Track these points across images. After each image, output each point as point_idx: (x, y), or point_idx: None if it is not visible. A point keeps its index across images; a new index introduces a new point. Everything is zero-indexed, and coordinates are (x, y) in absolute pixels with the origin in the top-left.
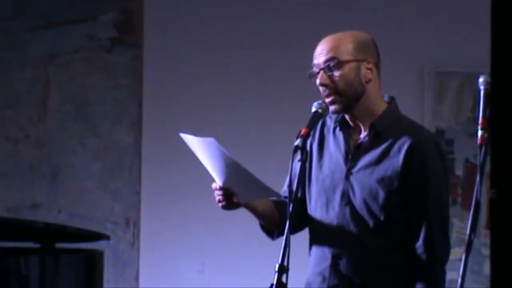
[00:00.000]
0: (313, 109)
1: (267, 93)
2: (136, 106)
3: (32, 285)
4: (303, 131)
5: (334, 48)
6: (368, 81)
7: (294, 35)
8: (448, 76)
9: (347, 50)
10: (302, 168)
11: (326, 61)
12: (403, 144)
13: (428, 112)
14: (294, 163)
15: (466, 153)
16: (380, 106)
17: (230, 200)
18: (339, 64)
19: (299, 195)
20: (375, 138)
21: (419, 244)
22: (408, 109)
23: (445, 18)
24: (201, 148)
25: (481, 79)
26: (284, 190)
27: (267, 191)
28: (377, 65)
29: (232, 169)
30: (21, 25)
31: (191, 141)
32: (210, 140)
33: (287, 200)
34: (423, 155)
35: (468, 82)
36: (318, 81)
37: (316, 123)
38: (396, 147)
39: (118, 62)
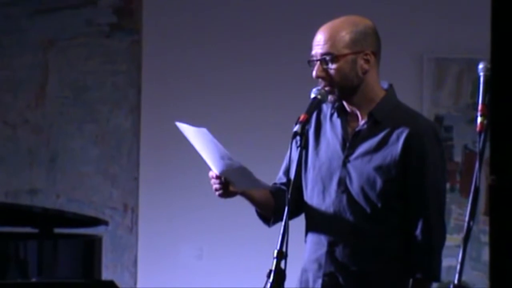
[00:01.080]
0: (312, 95)
1: (266, 79)
2: (135, 91)
3: (30, 269)
4: (302, 117)
5: (331, 40)
6: (365, 72)
7: (293, 21)
8: (447, 63)
9: (343, 42)
10: (301, 154)
11: (322, 54)
12: (402, 133)
13: (427, 99)
14: (292, 149)
15: (465, 140)
16: (378, 94)
17: (226, 189)
18: (335, 58)
19: (296, 181)
20: (373, 126)
21: (417, 232)
22: (407, 96)
23: (445, 4)
24: (195, 137)
25: (480, 66)
26: (280, 177)
27: (259, 183)
28: (377, 53)
29: (226, 159)
30: (20, 11)
31: (186, 130)
32: (203, 130)
33: (282, 187)
34: (422, 143)
35: (468, 68)
36: (314, 73)
37: (315, 109)
38: (394, 135)
39: (117, 47)
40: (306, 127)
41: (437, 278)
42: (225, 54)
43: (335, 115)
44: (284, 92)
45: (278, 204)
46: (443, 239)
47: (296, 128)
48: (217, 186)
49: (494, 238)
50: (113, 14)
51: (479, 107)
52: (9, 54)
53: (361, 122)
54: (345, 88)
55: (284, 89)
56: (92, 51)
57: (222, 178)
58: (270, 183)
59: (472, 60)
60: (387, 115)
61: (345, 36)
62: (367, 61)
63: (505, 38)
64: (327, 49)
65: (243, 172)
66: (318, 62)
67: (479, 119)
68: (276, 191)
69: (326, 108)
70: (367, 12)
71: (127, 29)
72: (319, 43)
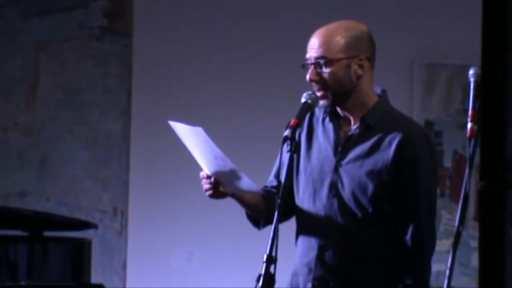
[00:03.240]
0: (303, 100)
1: (257, 84)
2: (126, 95)
3: (20, 272)
4: (292, 121)
5: (325, 44)
6: (359, 77)
7: (286, 24)
8: (438, 68)
9: (338, 47)
10: (291, 158)
11: (316, 58)
12: (394, 138)
13: (417, 104)
14: (283, 154)
15: (455, 145)
16: (371, 99)
17: (217, 189)
18: (329, 62)
19: (286, 184)
20: (366, 131)
21: (407, 238)
22: (398, 101)
23: (436, 10)
24: (189, 136)
25: (471, 71)
26: (270, 180)
27: (250, 186)
28: (371, 58)
29: (219, 160)
30: (12, 13)
31: (180, 129)
32: (198, 129)
33: (273, 190)
34: (414, 149)
35: (458, 74)
36: (308, 77)
37: (306, 113)
38: (386, 140)
39: (108, 50)
40: (297, 131)
41: (426, 284)
42: (216, 57)
43: (327, 119)
44: (275, 96)
45: (269, 207)
46: (433, 245)
47: (287, 132)
48: (207, 186)
49: (484, 243)
50: (104, 18)
51: (469, 112)
52: (0, 56)
53: (353, 126)
54: (338, 93)
55: (275, 93)
56: (83, 54)
57: (212, 179)
58: (261, 186)
59: (463, 66)
60: (379, 120)
61: (340, 40)
62: (361, 66)
63: (495, 45)
64: (322, 53)
65: (235, 174)
66: (312, 66)
67: (469, 125)
68: (267, 194)
69: (319, 112)
70: (358, 16)
71: (118, 32)
72: (313, 47)
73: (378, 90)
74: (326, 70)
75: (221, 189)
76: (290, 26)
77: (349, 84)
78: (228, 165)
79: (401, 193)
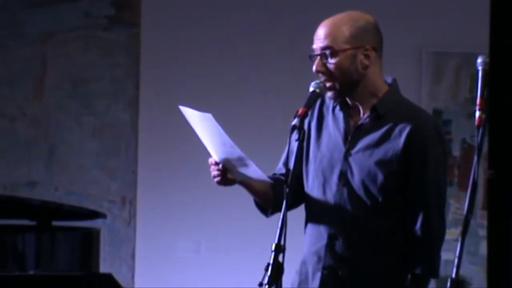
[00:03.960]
0: (311, 89)
1: (267, 73)
2: (133, 84)
3: (28, 262)
4: (300, 110)
5: (331, 34)
6: (365, 67)
7: (292, 16)
8: (446, 57)
9: (343, 37)
10: (299, 147)
11: (322, 48)
12: (404, 128)
13: (425, 93)
14: (291, 142)
15: (463, 134)
16: (381, 89)
17: (225, 176)
18: (335, 53)
19: (295, 173)
20: (376, 121)
21: (417, 227)
22: (406, 90)
23: None
24: (198, 122)
25: (479, 60)
26: (279, 168)
27: (258, 173)
28: (378, 49)
29: (227, 147)
30: (18, 4)
31: (190, 114)
32: (208, 115)
33: (281, 177)
34: (424, 139)
35: (466, 62)
36: (314, 68)
37: (314, 102)
38: (396, 130)
39: (115, 40)
40: (305, 120)
41: (435, 274)
42: (224, 47)
43: (338, 108)
44: (284, 85)
45: (277, 194)
46: (442, 235)
47: (295, 121)
48: (215, 173)
49: (492, 232)
50: (112, 7)
51: (478, 101)
52: (7, 47)
53: (364, 116)
54: (345, 83)
55: (284, 82)
56: (91, 44)
57: (221, 165)
58: (269, 174)
59: (471, 54)
60: (389, 110)
61: (345, 31)
62: (367, 56)
63: (504, 33)
64: (327, 44)
65: (244, 162)
66: (318, 57)
67: (477, 113)
68: (275, 182)
69: (329, 101)
70: (365, 7)
71: (125, 22)
72: (319, 38)
73: (389, 80)
74: (331, 61)
75: (229, 176)
76: (300, 17)
77: (356, 74)
78: (237, 152)
79: (411, 183)
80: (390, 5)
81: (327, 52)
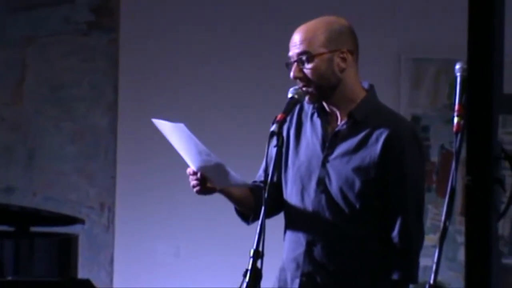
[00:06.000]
0: (290, 95)
1: (243, 79)
2: (112, 89)
3: (6, 268)
4: (279, 116)
5: (306, 40)
6: (342, 70)
7: (272, 20)
8: (424, 63)
9: (319, 41)
10: (278, 153)
11: (298, 54)
12: (381, 134)
13: (404, 99)
14: (270, 149)
15: (441, 140)
16: (359, 94)
17: (204, 185)
18: (311, 58)
19: (274, 180)
20: (353, 127)
21: (395, 233)
22: (385, 96)
23: (422, 4)
24: (172, 133)
25: (457, 66)
26: (259, 175)
27: (237, 180)
28: (354, 52)
29: (204, 155)
30: None
31: (163, 126)
32: (180, 125)
33: (261, 185)
34: (401, 145)
35: (445, 68)
36: (291, 74)
37: (293, 108)
38: (374, 136)
39: (94, 45)
40: (284, 126)
41: (414, 280)
42: (203, 52)
43: (316, 115)
44: (263, 90)
45: (258, 202)
46: (421, 240)
47: (273, 127)
48: (194, 182)
49: (470, 238)
50: (91, 12)
51: (456, 107)
52: None
53: (341, 122)
54: (322, 88)
55: (263, 87)
56: (70, 49)
57: (199, 175)
58: (249, 181)
59: (450, 60)
60: (367, 115)
61: (320, 35)
62: (343, 59)
63: (481, 39)
64: (303, 49)
65: (221, 169)
66: (295, 63)
67: (455, 119)
68: (256, 189)
69: (308, 107)
70: (344, 12)
71: (104, 27)
72: (295, 44)
73: (366, 85)
74: (308, 66)
75: (208, 184)
76: (278, 22)
77: (333, 78)
78: (213, 159)
79: (389, 189)
80: (369, 11)
81: (304, 57)
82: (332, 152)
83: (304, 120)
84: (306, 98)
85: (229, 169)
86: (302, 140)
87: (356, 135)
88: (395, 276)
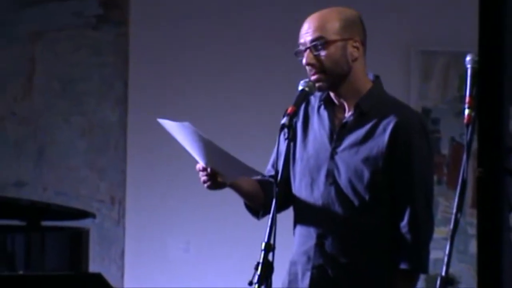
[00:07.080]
0: (300, 87)
1: (255, 72)
2: (122, 84)
3: (17, 262)
4: (289, 109)
5: (321, 27)
6: (355, 59)
7: (280, 16)
8: (434, 55)
9: (333, 29)
10: (289, 146)
11: (313, 40)
12: (388, 124)
13: (414, 91)
14: (280, 142)
15: (452, 132)
16: (365, 85)
17: (214, 180)
18: (326, 44)
19: (284, 174)
20: (360, 118)
21: (404, 224)
22: (395, 88)
23: None
24: (178, 132)
25: (468, 58)
26: (268, 169)
27: (248, 170)
28: (363, 43)
29: (212, 150)
30: (7, 3)
31: (168, 125)
32: (185, 124)
33: (271, 179)
34: (408, 134)
35: (455, 61)
36: (304, 61)
37: (303, 101)
38: (381, 127)
39: (104, 39)
40: (294, 119)
41: (424, 270)
42: (212, 47)
43: (322, 107)
44: (272, 84)
45: (267, 196)
46: (430, 230)
47: (284, 120)
48: (205, 178)
49: (482, 230)
50: (100, 7)
51: (467, 99)
52: None
53: (348, 113)
54: (335, 75)
55: (272, 81)
56: (79, 43)
57: (209, 170)
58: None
59: (460, 53)
60: (373, 106)
61: (335, 23)
62: (356, 48)
63: (492, 31)
64: (318, 35)
65: (231, 161)
66: (308, 50)
67: (466, 112)
68: (265, 183)
69: (314, 101)
70: (353, 4)
71: (114, 21)
72: (308, 31)
73: (371, 76)
74: (323, 53)
75: (219, 179)
76: (286, 17)
77: (346, 66)
78: (222, 153)
79: (397, 178)
80: (379, 3)
81: (318, 43)
82: (340, 144)
83: (311, 113)
84: (317, 85)
85: (238, 160)
86: (309, 133)
87: (364, 126)
88: (404, 266)
